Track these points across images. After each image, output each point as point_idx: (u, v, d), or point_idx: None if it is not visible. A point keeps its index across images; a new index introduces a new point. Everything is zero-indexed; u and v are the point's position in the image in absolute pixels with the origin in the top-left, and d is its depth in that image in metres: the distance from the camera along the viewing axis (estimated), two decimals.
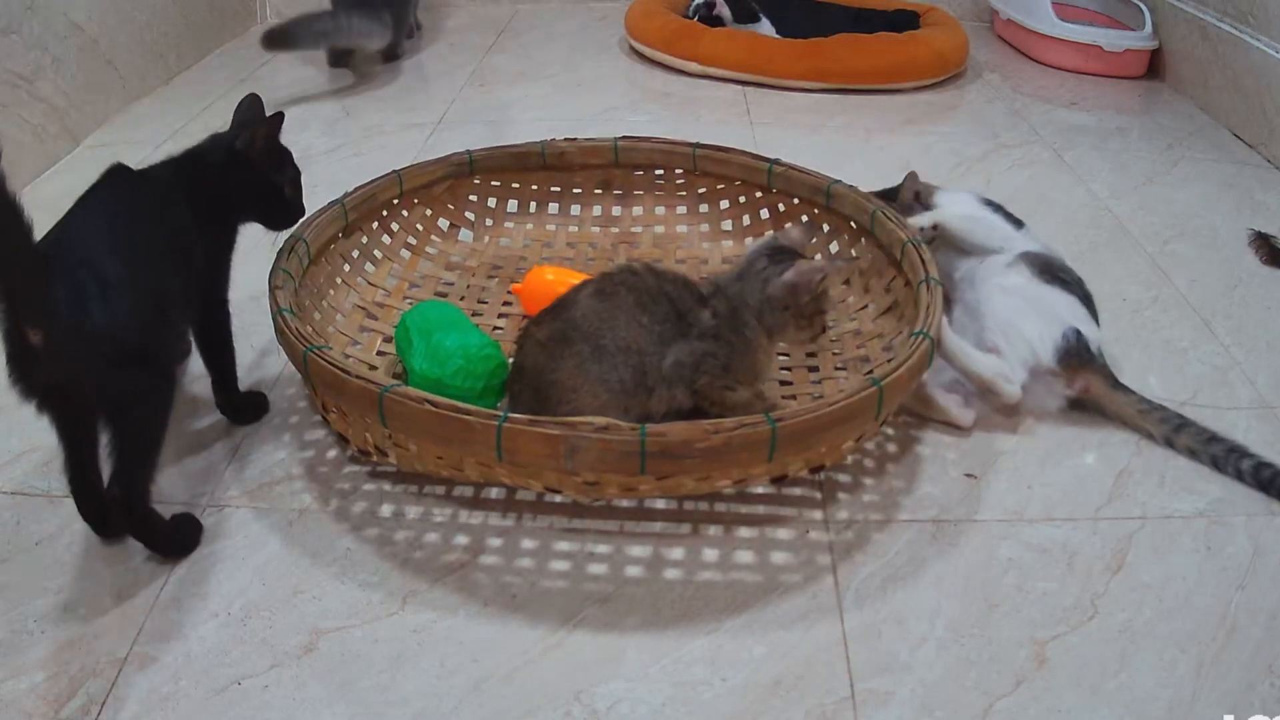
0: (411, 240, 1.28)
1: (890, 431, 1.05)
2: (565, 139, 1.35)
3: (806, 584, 0.87)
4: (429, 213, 1.31)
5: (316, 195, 1.12)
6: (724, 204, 1.35)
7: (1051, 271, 1.10)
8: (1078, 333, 1.05)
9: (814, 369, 1.11)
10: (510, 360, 1.00)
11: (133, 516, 0.84)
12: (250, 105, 1.02)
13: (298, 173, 1.02)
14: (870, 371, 1.05)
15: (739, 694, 0.77)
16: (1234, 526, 0.93)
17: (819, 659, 0.80)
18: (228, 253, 0.99)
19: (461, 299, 1.22)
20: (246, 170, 0.96)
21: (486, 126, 1.80)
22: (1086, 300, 1.10)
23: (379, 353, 1.11)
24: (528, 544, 0.90)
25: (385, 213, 1.25)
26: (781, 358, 1.12)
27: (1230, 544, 0.91)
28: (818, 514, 0.94)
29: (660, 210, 1.38)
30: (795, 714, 0.75)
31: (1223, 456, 0.99)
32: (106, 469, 0.82)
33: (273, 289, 0.98)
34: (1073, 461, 1.02)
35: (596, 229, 1.37)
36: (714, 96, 2.00)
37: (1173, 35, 2.07)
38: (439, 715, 0.75)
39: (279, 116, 0.96)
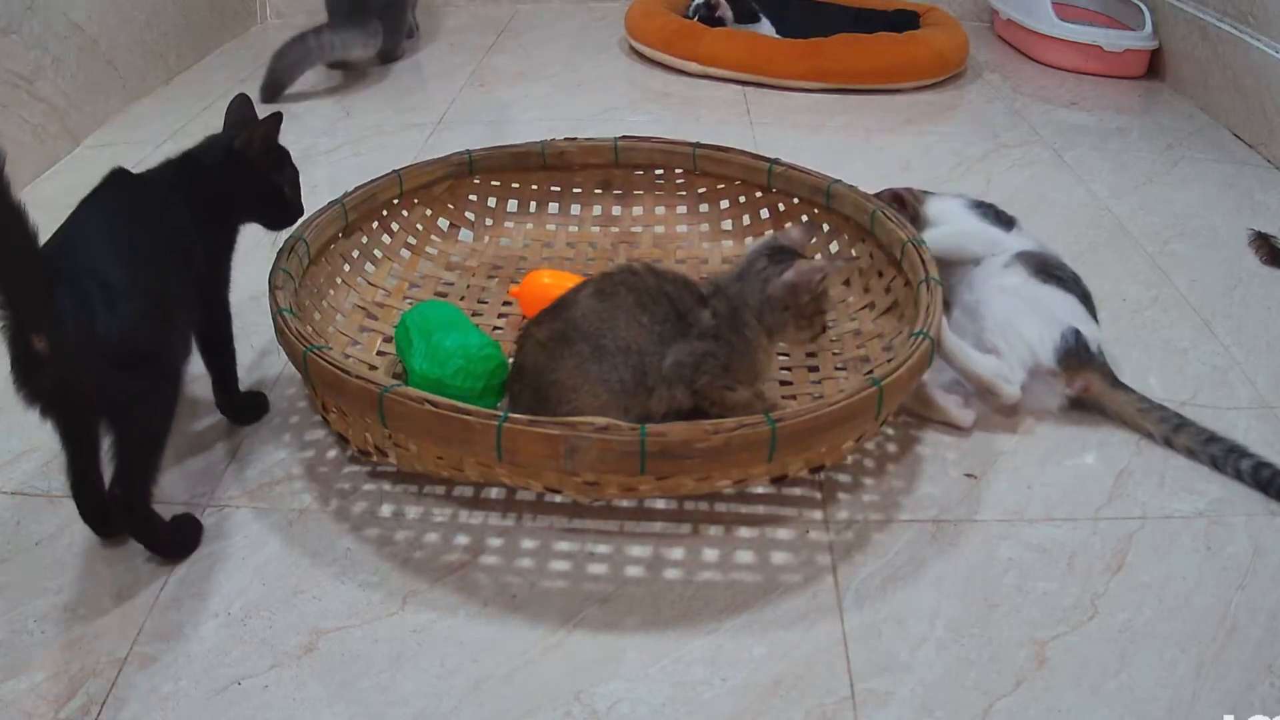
0: (411, 240, 1.28)
1: (890, 431, 1.05)
2: (565, 139, 1.35)
3: (806, 584, 0.87)
4: (429, 213, 1.31)
5: (316, 195, 1.12)
6: (724, 204, 1.35)
7: (1048, 270, 1.10)
8: (1077, 332, 1.05)
9: (814, 369, 1.11)
10: (510, 360, 1.00)
11: (134, 517, 0.84)
12: (241, 105, 1.02)
13: (297, 172, 1.02)
14: (870, 371, 1.05)
15: (739, 694, 0.77)
16: (1234, 526, 0.93)
17: (819, 659, 0.80)
18: (228, 253, 0.99)
19: (461, 299, 1.22)
20: (246, 170, 0.96)
21: (486, 126, 1.80)
22: (1085, 298, 1.10)
23: (379, 353, 1.11)
24: (528, 544, 0.90)
25: (385, 213, 1.25)
26: (781, 358, 1.12)
27: (1230, 544, 0.91)
28: (818, 514, 0.94)
29: (660, 210, 1.38)
30: (795, 714, 0.75)
31: (1222, 456, 0.99)
32: (108, 470, 0.82)
33: (273, 289, 0.98)
34: (1073, 461, 1.02)
35: (596, 229, 1.37)
36: (714, 96, 2.00)
37: (1173, 35, 2.07)
38: (439, 715, 0.75)
39: (278, 116, 0.96)
